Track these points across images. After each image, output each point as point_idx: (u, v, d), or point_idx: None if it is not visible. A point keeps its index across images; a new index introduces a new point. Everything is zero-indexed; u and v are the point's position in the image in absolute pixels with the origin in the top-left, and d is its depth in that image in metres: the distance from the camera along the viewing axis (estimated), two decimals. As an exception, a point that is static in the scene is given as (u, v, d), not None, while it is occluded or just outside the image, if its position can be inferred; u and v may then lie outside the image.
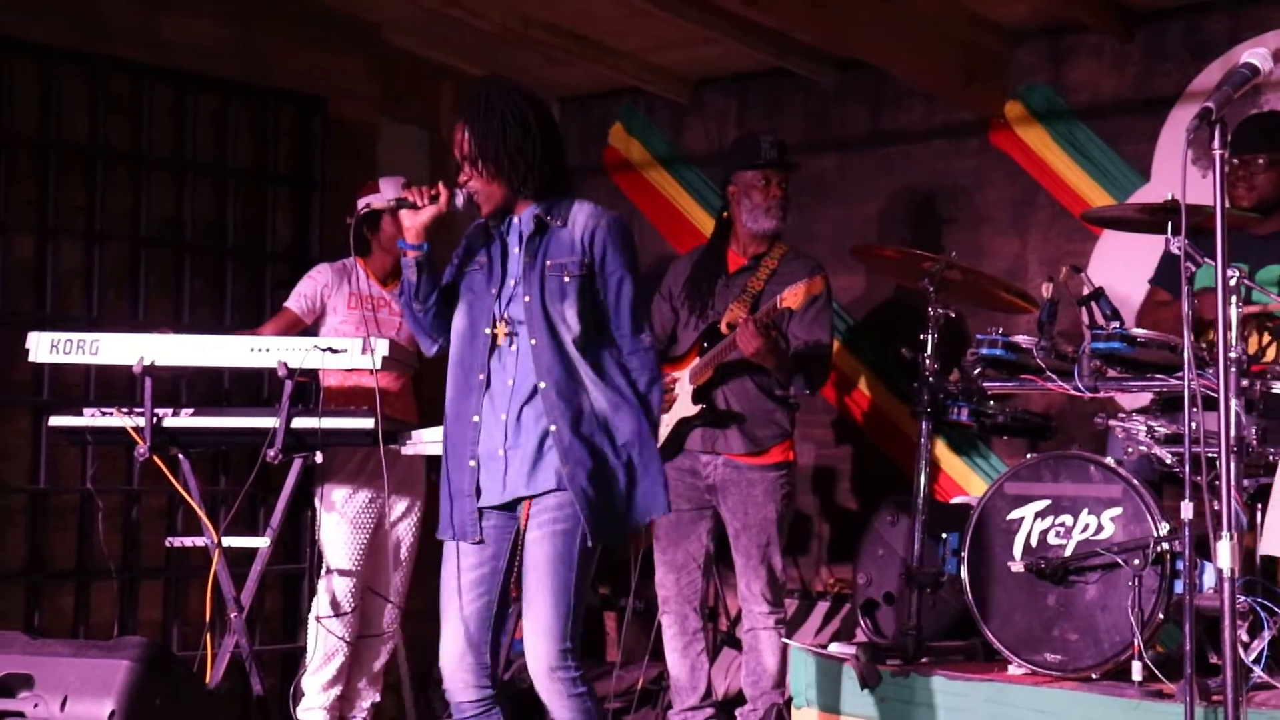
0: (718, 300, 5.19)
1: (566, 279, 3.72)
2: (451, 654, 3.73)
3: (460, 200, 3.77)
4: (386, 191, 5.33)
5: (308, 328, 5.32)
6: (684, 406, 5.09)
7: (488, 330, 3.76)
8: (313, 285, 5.38)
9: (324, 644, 5.21)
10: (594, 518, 3.64)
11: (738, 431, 5.07)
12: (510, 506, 3.74)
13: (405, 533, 5.40)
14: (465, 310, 3.82)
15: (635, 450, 3.74)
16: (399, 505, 5.37)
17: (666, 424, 5.12)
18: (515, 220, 3.81)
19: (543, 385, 3.68)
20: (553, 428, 3.65)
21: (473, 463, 3.74)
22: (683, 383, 5.11)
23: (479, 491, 3.75)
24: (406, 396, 5.36)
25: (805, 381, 5.13)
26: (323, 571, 5.27)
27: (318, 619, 5.20)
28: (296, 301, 5.37)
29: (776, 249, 5.22)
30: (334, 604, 5.22)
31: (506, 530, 3.76)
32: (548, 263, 3.73)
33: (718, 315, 5.15)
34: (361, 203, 3.89)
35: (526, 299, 3.72)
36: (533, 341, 3.69)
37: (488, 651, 3.73)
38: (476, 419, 3.74)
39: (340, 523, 5.24)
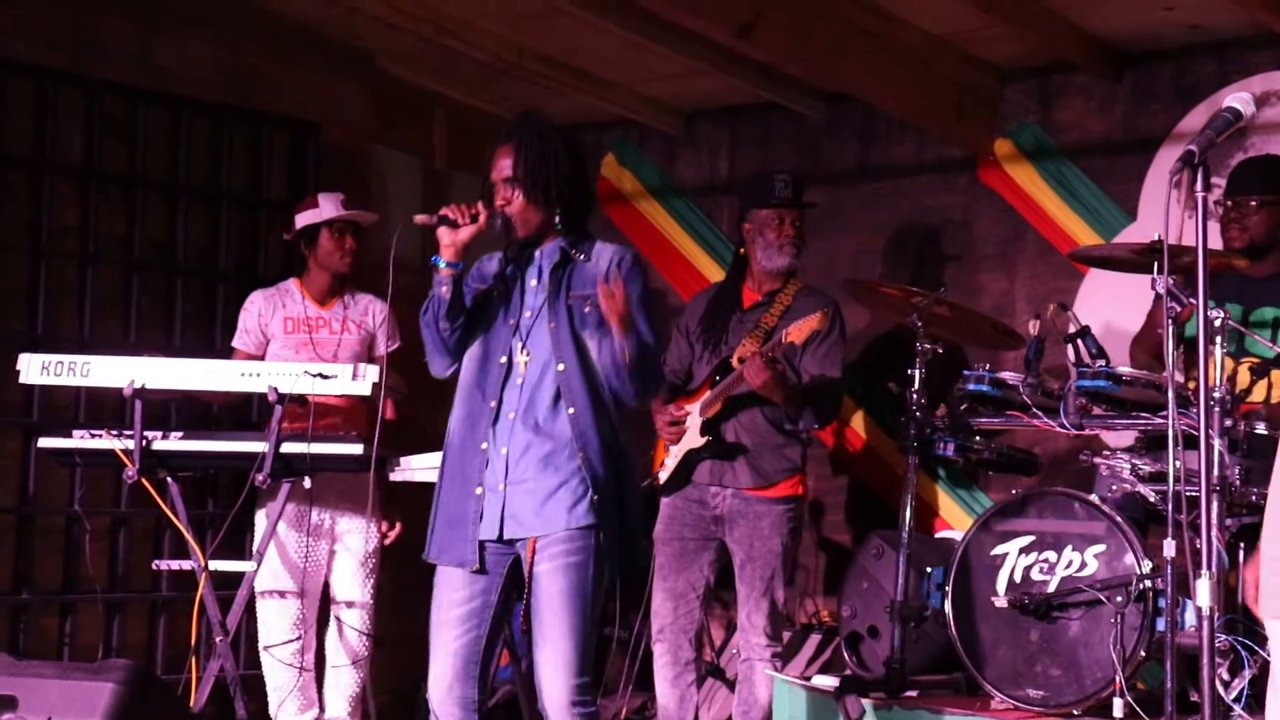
0: (731, 335, 5.23)
1: (588, 309, 3.74)
2: (440, 686, 3.72)
3: (498, 224, 3.77)
4: (325, 208, 5.36)
5: (261, 360, 5.28)
6: (693, 438, 5.11)
7: (503, 360, 3.76)
8: (252, 318, 5.36)
9: (275, 675, 5.16)
10: (612, 548, 3.66)
11: (745, 464, 5.09)
12: (507, 540, 3.74)
13: (365, 552, 5.29)
14: (480, 338, 3.82)
15: (634, 486, 3.79)
16: (351, 525, 5.28)
17: (675, 455, 5.15)
18: (537, 253, 3.83)
19: (571, 411, 3.70)
20: (581, 454, 3.67)
21: (479, 490, 3.74)
22: (693, 415, 5.14)
23: (482, 520, 3.74)
24: (357, 411, 5.30)
25: (815, 416, 5.15)
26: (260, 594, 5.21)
27: (265, 649, 5.16)
28: (243, 339, 5.35)
29: (791, 285, 5.26)
30: (276, 631, 5.15)
31: (501, 562, 3.75)
32: (571, 293, 3.76)
33: (731, 350, 5.18)
34: (420, 219, 3.86)
35: (552, 325, 3.74)
36: (560, 367, 3.71)
37: (475, 685, 3.73)
38: (485, 446, 3.74)
39: (284, 545, 5.18)
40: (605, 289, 3.64)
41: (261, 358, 5.30)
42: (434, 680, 3.74)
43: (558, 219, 3.79)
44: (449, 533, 3.77)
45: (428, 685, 3.76)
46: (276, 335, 5.34)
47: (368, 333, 5.41)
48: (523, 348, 3.75)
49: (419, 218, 3.83)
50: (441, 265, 3.75)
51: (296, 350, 5.27)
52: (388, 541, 5.35)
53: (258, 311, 5.36)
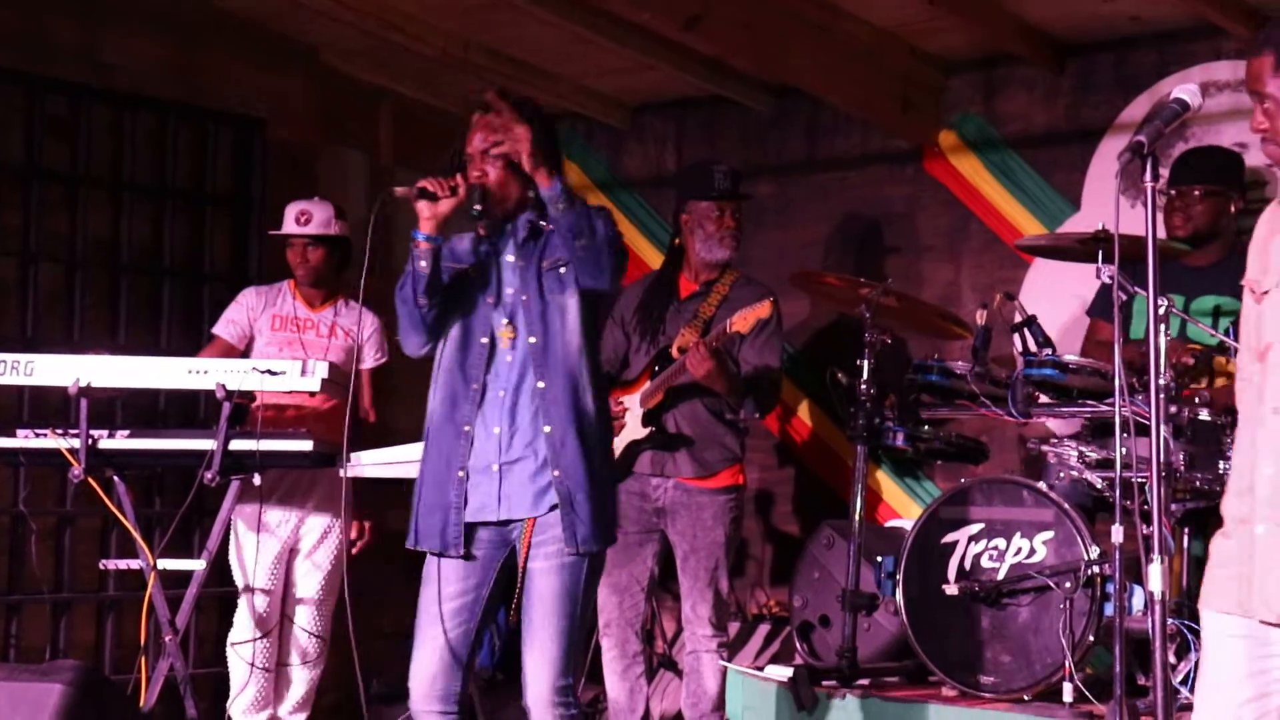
0: (669, 325, 5.23)
1: (563, 270, 3.71)
2: (423, 677, 3.70)
3: (475, 199, 3.71)
4: (286, 221, 5.38)
5: (241, 353, 5.31)
6: (634, 429, 5.12)
7: (484, 340, 3.73)
8: (240, 310, 5.38)
9: (238, 670, 5.19)
10: (586, 525, 3.62)
11: (687, 455, 5.10)
12: (504, 523, 3.71)
13: (324, 554, 5.30)
14: (459, 319, 3.78)
15: (608, 462, 3.75)
16: (313, 525, 5.28)
17: (616, 448, 5.14)
18: (509, 228, 3.79)
19: (541, 385, 3.67)
20: (546, 429, 3.64)
21: (461, 473, 3.70)
22: (633, 407, 5.14)
23: (465, 504, 3.71)
24: (336, 418, 5.30)
25: (755, 405, 5.18)
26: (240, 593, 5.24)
27: (231, 645, 5.17)
28: (226, 328, 5.36)
29: (728, 275, 5.27)
30: (244, 628, 5.17)
31: (497, 551, 3.72)
32: (544, 261, 3.73)
33: (669, 340, 5.18)
34: (399, 191, 3.82)
35: (524, 298, 3.71)
36: (532, 340, 3.68)
37: (459, 678, 3.70)
38: (468, 429, 3.71)
39: (248, 544, 5.18)
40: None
41: (243, 351, 5.30)
42: (417, 671, 3.70)
43: (533, 191, 3.73)
44: (428, 518, 3.74)
45: (409, 675, 3.72)
46: (263, 331, 5.34)
47: (355, 343, 5.40)
48: (508, 323, 3.72)
49: (398, 190, 3.78)
50: (421, 239, 3.70)
51: (281, 348, 5.27)
52: (355, 550, 5.33)
53: (248, 305, 5.37)
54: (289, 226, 5.40)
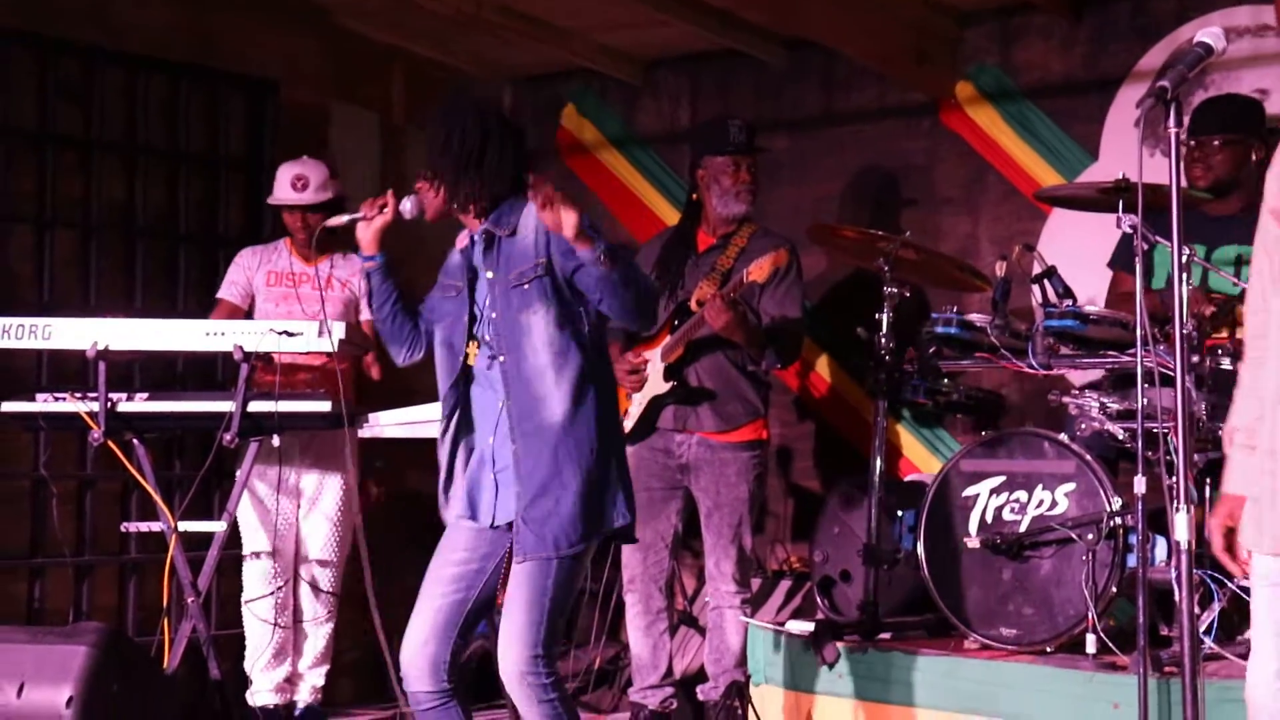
0: (688, 279, 5.22)
1: (526, 286, 3.69)
2: (414, 641, 3.72)
3: (408, 207, 3.81)
4: (277, 188, 5.42)
5: (246, 313, 5.34)
6: (656, 384, 5.11)
7: (465, 354, 3.79)
8: (240, 271, 5.44)
9: (253, 629, 5.26)
10: (546, 535, 3.63)
11: (709, 409, 5.10)
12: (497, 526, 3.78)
13: (330, 509, 5.37)
14: (442, 335, 3.85)
15: (593, 463, 3.70)
16: (323, 484, 5.35)
17: (639, 403, 5.15)
18: (475, 239, 3.82)
19: (505, 402, 3.70)
20: (513, 445, 3.68)
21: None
22: (654, 361, 5.13)
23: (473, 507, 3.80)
24: (339, 377, 5.29)
25: (776, 356, 5.17)
26: (244, 555, 5.27)
27: (245, 604, 5.23)
28: (229, 290, 5.43)
29: (746, 228, 5.26)
30: (255, 587, 5.24)
31: (502, 541, 3.77)
32: (510, 275, 3.72)
33: (688, 294, 5.18)
34: (332, 222, 3.96)
35: (493, 315, 3.73)
36: (501, 359, 3.71)
37: (450, 647, 3.71)
38: (469, 439, 3.81)
39: (254, 503, 5.24)
40: (540, 197, 3.56)
41: (248, 311, 5.35)
42: (410, 634, 3.73)
43: (465, 199, 3.73)
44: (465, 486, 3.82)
45: (402, 638, 3.75)
46: (260, 289, 5.40)
47: (353, 294, 5.41)
48: (487, 340, 3.75)
49: (331, 221, 4.05)
50: (361, 260, 3.92)
51: (277, 304, 5.33)
52: (372, 503, 5.38)
53: (245, 265, 5.44)
54: (284, 192, 5.41)
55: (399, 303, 3.90)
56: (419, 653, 3.71)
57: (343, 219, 3.97)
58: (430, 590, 3.75)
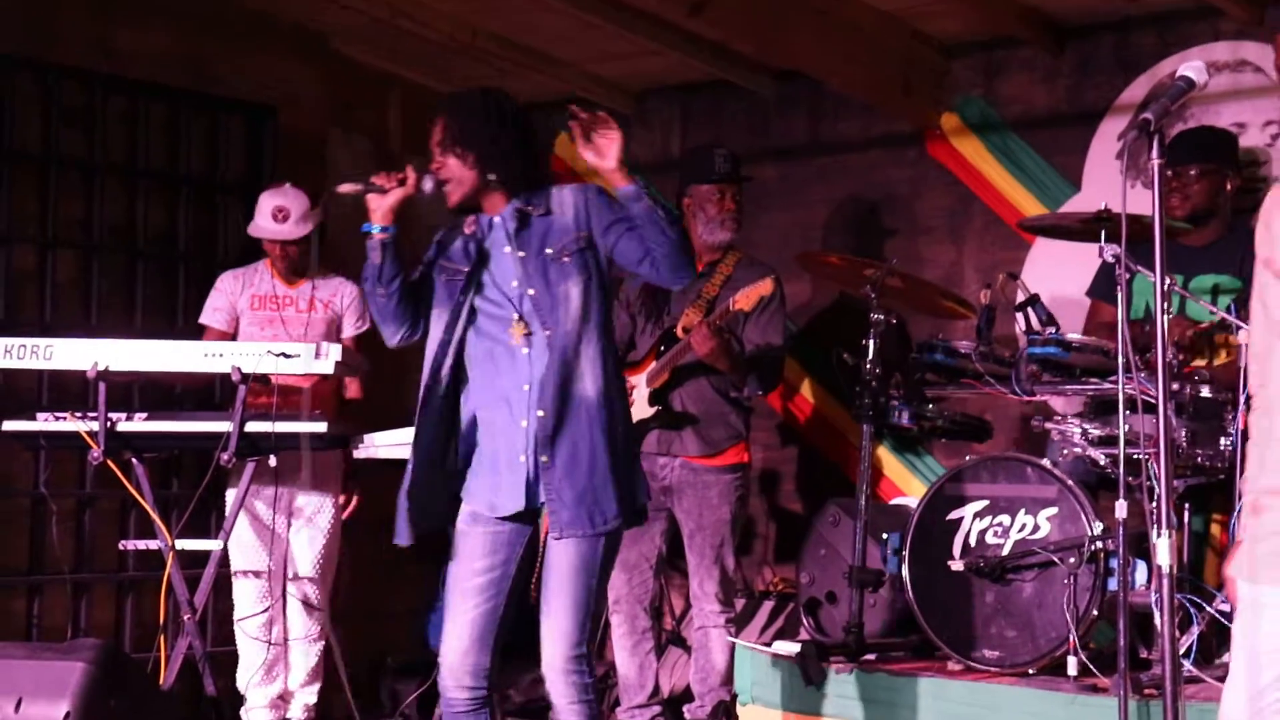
0: (674, 306, 5.30)
1: (567, 259, 3.75)
2: (454, 652, 3.77)
3: (428, 185, 3.78)
4: (258, 219, 5.41)
5: (232, 338, 5.37)
6: (641, 409, 5.18)
7: (502, 336, 3.77)
8: (223, 296, 5.45)
9: (245, 646, 5.29)
10: (578, 508, 3.68)
11: (693, 433, 5.19)
12: (528, 515, 3.80)
13: (322, 528, 5.40)
14: (439, 316, 3.85)
15: (623, 438, 3.78)
16: (310, 502, 5.38)
17: None
18: (497, 220, 3.83)
19: (543, 377, 3.72)
20: (540, 413, 3.69)
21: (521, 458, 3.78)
22: (640, 387, 5.21)
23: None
24: (321, 396, 5.36)
25: (758, 382, 5.26)
26: (234, 573, 5.31)
27: (237, 622, 5.27)
28: (213, 316, 5.44)
29: (731, 256, 5.35)
30: (245, 605, 5.28)
31: (520, 535, 3.81)
32: (548, 250, 3.76)
33: (674, 321, 5.26)
34: (345, 188, 3.92)
35: (531, 291, 3.75)
36: (547, 333, 3.72)
37: (489, 653, 3.78)
38: (503, 420, 3.77)
39: (248, 521, 5.27)
40: (581, 125, 3.61)
41: (233, 335, 5.38)
42: (448, 647, 3.78)
43: (493, 177, 3.77)
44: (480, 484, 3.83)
45: (440, 653, 3.81)
46: (244, 312, 5.43)
47: (335, 313, 5.46)
48: (519, 320, 3.75)
49: (344, 186, 3.88)
50: (374, 231, 3.81)
51: (263, 327, 5.36)
52: (345, 515, 5.42)
53: (227, 290, 5.46)
54: (265, 224, 5.40)
55: (404, 279, 3.85)
56: (461, 663, 3.77)
57: (357, 186, 3.86)
58: (460, 604, 3.79)
